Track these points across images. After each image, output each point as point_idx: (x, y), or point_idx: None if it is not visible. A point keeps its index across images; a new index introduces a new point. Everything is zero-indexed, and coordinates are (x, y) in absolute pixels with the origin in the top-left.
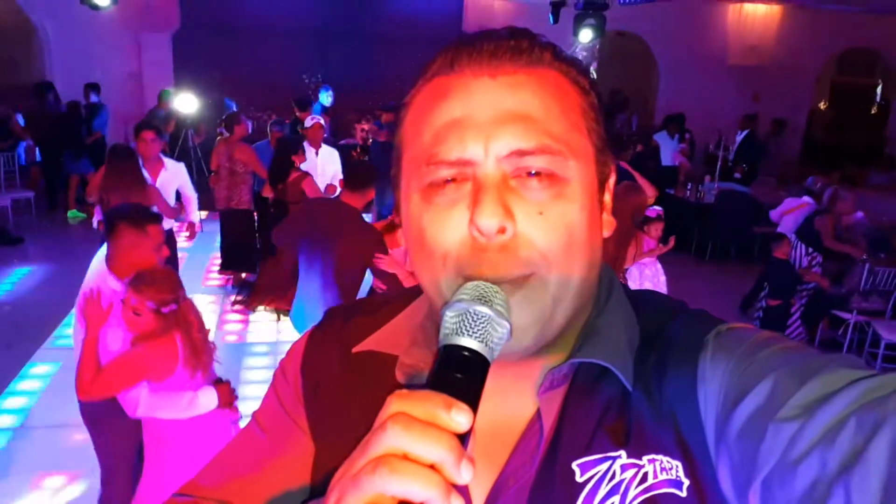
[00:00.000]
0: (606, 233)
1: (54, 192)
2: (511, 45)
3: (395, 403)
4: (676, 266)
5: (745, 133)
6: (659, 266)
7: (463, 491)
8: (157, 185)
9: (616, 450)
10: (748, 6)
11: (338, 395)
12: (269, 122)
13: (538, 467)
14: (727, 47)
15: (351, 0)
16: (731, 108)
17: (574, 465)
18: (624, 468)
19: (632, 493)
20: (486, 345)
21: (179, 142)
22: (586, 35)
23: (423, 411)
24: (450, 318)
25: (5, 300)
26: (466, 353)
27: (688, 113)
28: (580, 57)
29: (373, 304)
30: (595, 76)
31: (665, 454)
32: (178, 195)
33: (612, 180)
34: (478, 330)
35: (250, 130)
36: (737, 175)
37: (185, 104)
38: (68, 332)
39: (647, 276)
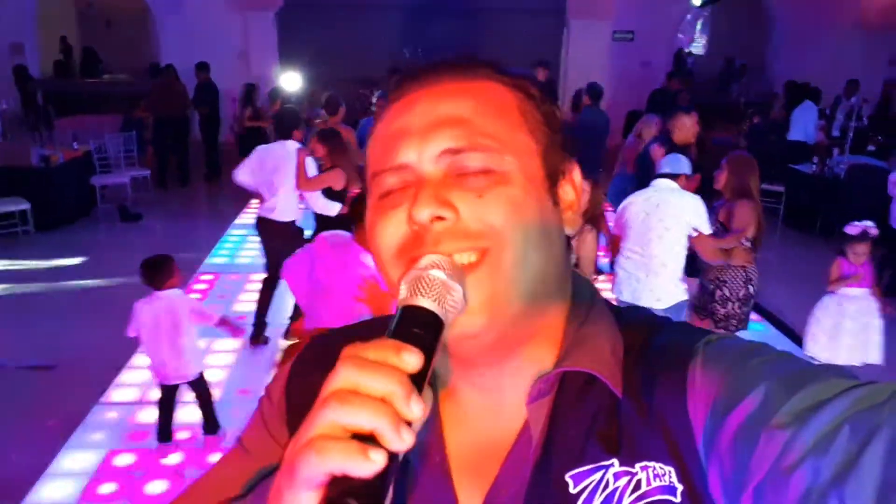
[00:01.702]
0: (570, 231)
1: (163, 169)
2: (451, 64)
3: (348, 349)
4: (801, 247)
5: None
6: (874, 304)
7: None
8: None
9: (608, 458)
10: None
11: None
12: (373, 96)
13: (530, 479)
14: (859, 6)
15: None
16: (860, 75)
17: (567, 477)
18: (617, 476)
19: (626, 501)
20: (440, 305)
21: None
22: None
23: (374, 353)
24: (404, 286)
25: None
26: (422, 312)
27: (812, 81)
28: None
29: (357, 327)
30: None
31: (657, 460)
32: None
33: (576, 177)
34: (431, 292)
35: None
36: (871, 148)
37: (289, 82)
38: None
39: (848, 313)
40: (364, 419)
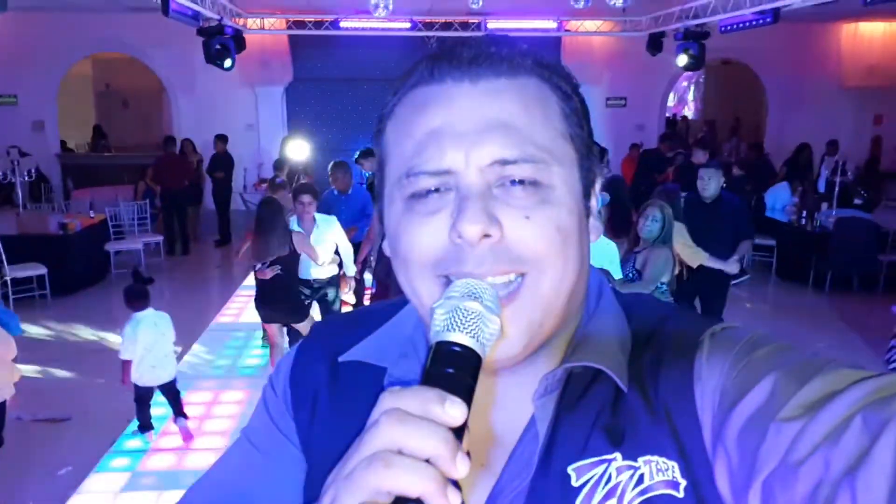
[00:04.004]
0: (593, 238)
1: (172, 237)
2: (491, 52)
3: (388, 399)
4: (794, 298)
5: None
6: None
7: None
8: (311, 238)
9: (611, 452)
10: (864, 25)
11: (327, 407)
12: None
13: (534, 474)
14: (842, 69)
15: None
16: (848, 132)
17: (569, 470)
18: (620, 470)
19: (628, 495)
20: (478, 340)
21: (293, 184)
22: (687, 65)
23: (417, 406)
24: (440, 315)
25: None
26: (458, 349)
27: (798, 139)
28: (686, 86)
29: (360, 314)
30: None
31: (661, 455)
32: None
33: (597, 185)
34: (468, 326)
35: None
36: (857, 201)
37: (296, 150)
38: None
39: None
40: (411, 486)
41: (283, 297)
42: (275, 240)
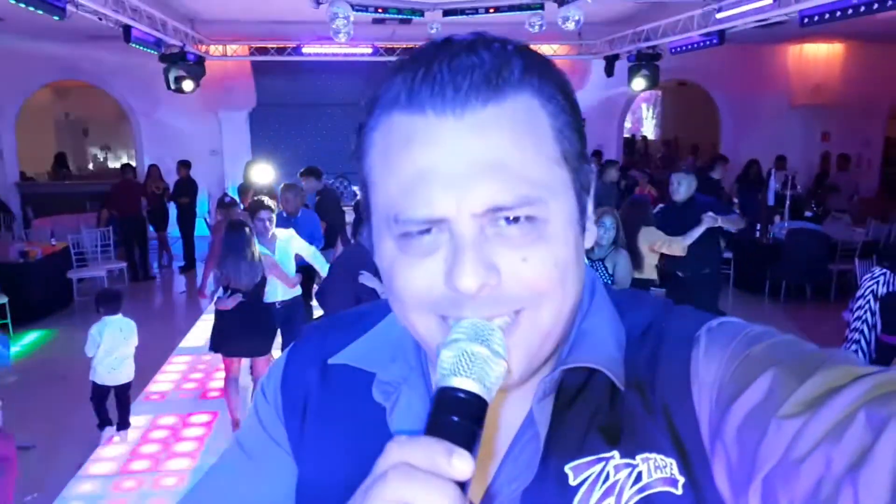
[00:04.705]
0: (588, 243)
1: (134, 265)
2: (473, 65)
3: (395, 451)
4: (751, 307)
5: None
6: None
7: None
8: (276, 255)
9: (609, 450)
10: (809, 46)
11: (318, 412)
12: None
13: (534, 475)
14: (790, 89)
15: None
16: (799, 148)
17: (567, 469)
18: (618, 469)
19: (627, 493)
20: (484, 385)
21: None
22: (641, 85)
23: (424, 459)
24: (446, 357)
25: None
26: (463, 395)
27: (753, 156)
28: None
29: (350, 317)
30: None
31: (659, 452)
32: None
33: (592, 188)
34: (475, 371)
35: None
36: (808, 214)
37: (260, 174)
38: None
39: None
40: None
41: (250, 327)
42: (244, 265)
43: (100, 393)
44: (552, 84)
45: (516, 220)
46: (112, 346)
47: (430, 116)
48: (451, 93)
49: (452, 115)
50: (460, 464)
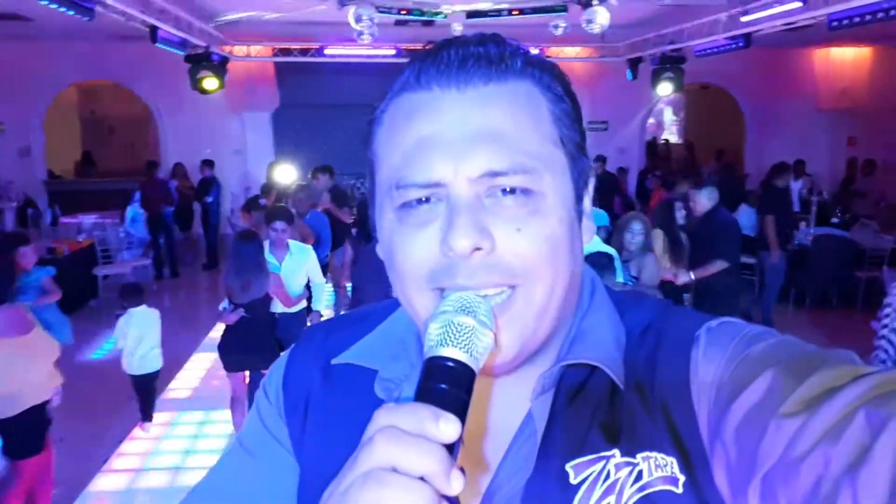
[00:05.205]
0: (587, 239)
1: (160, 261)
2: (479, 53)
3: (382, 416)
4: (776, 314)
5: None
6: None
7: (454, 499)
8: (282, 270)
9: (609, 449)
10: (836, 49)
11: (319, 411)
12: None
13: (531, 472)
14: (817, 92)
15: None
16: (825, 153)
17: (568, 468)
18: (618, 467)
19: (627, 492)
20: (471, 355)
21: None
22: (665, 89)
23: (411, 423)
24: (433, 329)
25: None
26: (451, 364)
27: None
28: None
29: (353, 317)
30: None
31: (659, 451)
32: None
33: (591, 185)
34: (462, 340)
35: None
36: (834, 220)
37: (283, 175)
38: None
39: None
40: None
41: (254, 341)
42: (245, 280)
43: (138, 384)
44: (553, 78)
45: (512, 191)
46: (140, 335)
47: (436, 91)
48: (455, 70)
49: (456, 89)
50: (447, 427)
